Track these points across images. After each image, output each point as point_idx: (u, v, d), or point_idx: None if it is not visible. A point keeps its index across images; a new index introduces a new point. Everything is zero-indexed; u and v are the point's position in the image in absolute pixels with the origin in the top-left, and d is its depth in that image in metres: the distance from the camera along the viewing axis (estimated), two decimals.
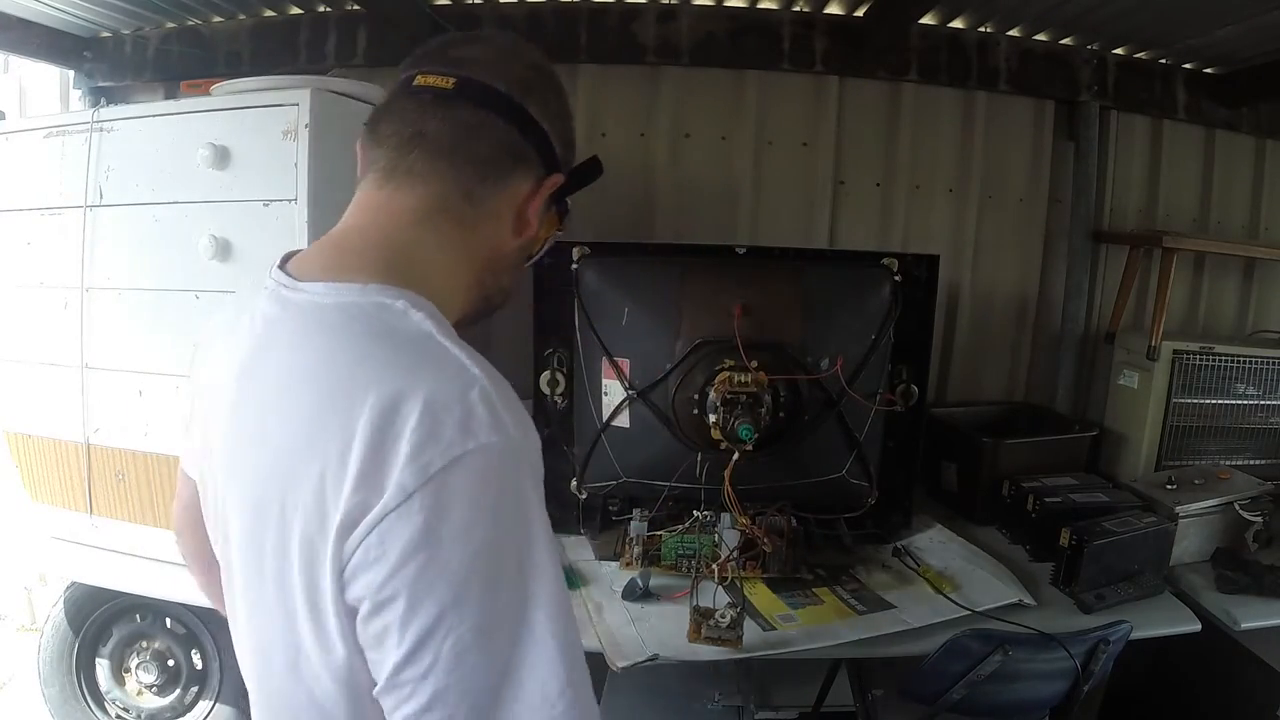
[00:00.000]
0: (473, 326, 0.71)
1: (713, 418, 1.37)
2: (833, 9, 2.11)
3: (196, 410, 0.68)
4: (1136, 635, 1.30)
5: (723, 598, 1.30)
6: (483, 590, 0.48)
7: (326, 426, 0.51)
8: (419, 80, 0.64)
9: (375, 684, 0.50)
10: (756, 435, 1.34)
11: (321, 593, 0.51)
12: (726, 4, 2.10)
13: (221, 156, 1.48)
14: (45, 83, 2.39)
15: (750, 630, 1.27)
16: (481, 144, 0.63)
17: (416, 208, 0.63)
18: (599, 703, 1.56)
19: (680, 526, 1.48)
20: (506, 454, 0.50)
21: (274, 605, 0.56)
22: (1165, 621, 1.40)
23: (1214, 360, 1.94)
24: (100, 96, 2.24)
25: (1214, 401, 1.96)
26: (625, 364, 1.51)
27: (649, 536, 1.51)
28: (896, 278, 1.58)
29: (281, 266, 0.63)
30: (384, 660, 0.49)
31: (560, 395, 1.65)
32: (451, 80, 0.63)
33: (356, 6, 2.07)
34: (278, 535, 0.54)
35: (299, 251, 0.65)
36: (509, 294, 0.74)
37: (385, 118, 0.65)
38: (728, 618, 1.24)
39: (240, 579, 0.61)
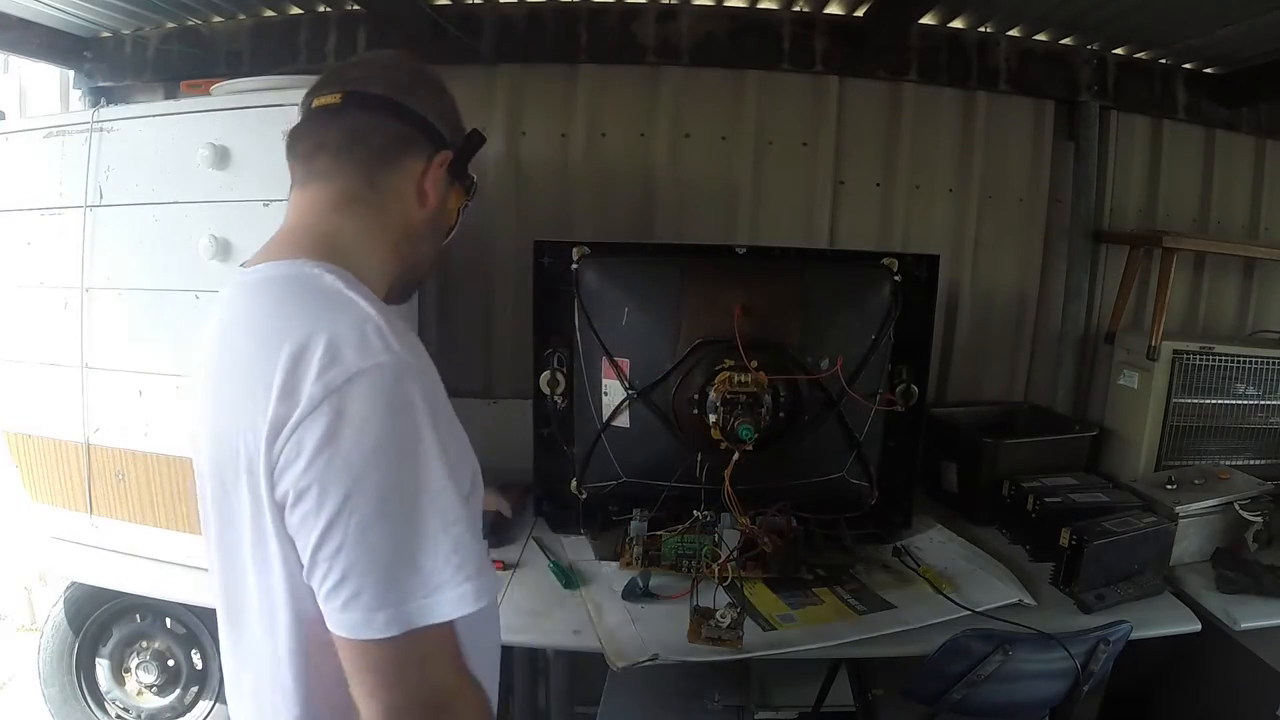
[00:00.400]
0: (406, 298, 0.87)
1: (713, 418, 1.37)
2: (833, 9, 2.11)
3: (191, 401, 0.79)
4: (1136, 635, 1.30)
5: (723, 598, 1.30)
6: (379, 478, 0.60)
7: (259, 365, 0.64)
8: (315, 103, 0.79)
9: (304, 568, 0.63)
10: (756, 435, 1.34)
11: (260, 499, 0.64)
12: (726, 4, 2.10)
13: (221, 156, 1.48)
14: (45, 83, 2.39)
15: (750, 630, 1.27)
16: (372, 139, 0.78)
17: (331, 200, 0.77)
18: (599, 703, 1.55)
19: (680, 526, 1.48)
20: (396, 370, 0.63)
21: (237, 532, 0.69)
22: (1165, 621, 1.40)
23: (1214, 360, 1.94)
24: (100, 96, 2.24)
25: (1214, 401, 1.96)
26: (625, 364, 1.51)
27: (649, 536, 1.51)
28: (896, 278, 1.58)
29: (243, 265, 0.77)
30: (306, 544, 0.62)
31: (560, 395, 1.65)
32: (339, 96, 0.78)
33: (356, 6, 2.07)
34: (233, 467, 0.66)
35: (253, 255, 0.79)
36: (431, 263, 0.88)
37: (296, 137, 0.80)
38: (728, 618, 1.24)
39: (214, 524, 0.74)
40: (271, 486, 0.62)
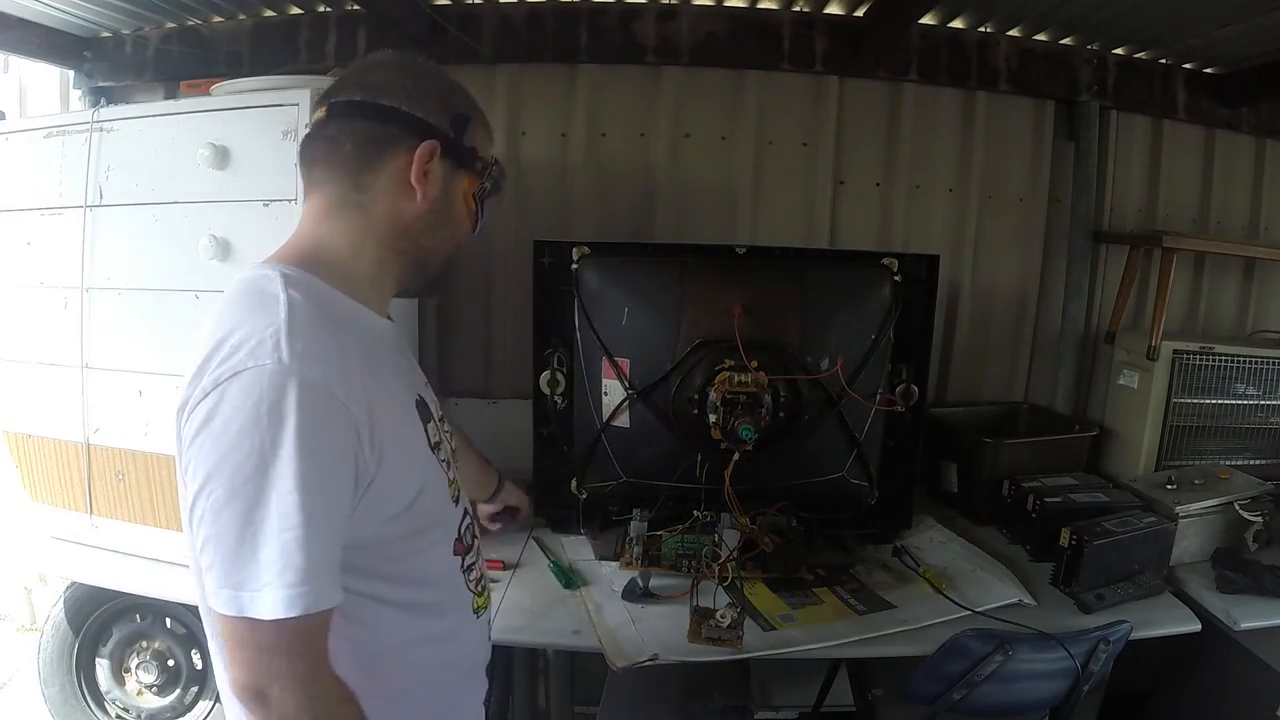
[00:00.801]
0: (432, 290, 0.86)
1: (713, 418, 1.37)
2: (833, 9, 2.11)
3: None
4: (1136, 635, 1.30)
5: (723, 598, 1.30)
6: (232, 468, 0.67)
7: (193, 354, 0.72)
8: (313, 117, 0.84)
9: None
10: (756, 435, 1.34)
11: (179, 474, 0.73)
12: (726, 4, 2.10)
13: (221, 156, 1.48)
14: (45, 83, 2.39)
15: (750, 630, 1.27)
16: (347, 145, 0.81)
17: (321, 208, 0.83)
18: (599, 703, 1.55)
19: (680, 526, 1.49)
20: (276, 375, 0.68)
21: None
22: (1165, 621, 1.40)
23: (1214, 360, 1.94)
24: (100, 96, 2.24)
25: (1214, 401, 1.96)
26: (625, 364, 1.51)
27: (649, 536, 1.51)
28: (896, 278, 1.58)
29: None
30: (185, 511, 0.71)
31: (560, 395, 1.65)
32: (323, 110, 0.83)
33: (356, 6, 2.07)
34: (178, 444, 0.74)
35: None
36: (447, 254, 0.89)
37: (300, 151, 0.85)
38: (728, 618, 1.24)
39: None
40: (178, 445, 0.72)
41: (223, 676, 0.75)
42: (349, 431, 0.71)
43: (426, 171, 0.81)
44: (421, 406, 0.87)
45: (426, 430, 0.86)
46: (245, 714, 0.73)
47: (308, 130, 0.84)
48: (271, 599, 0.66)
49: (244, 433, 0.66)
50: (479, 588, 0.96)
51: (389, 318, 0.89)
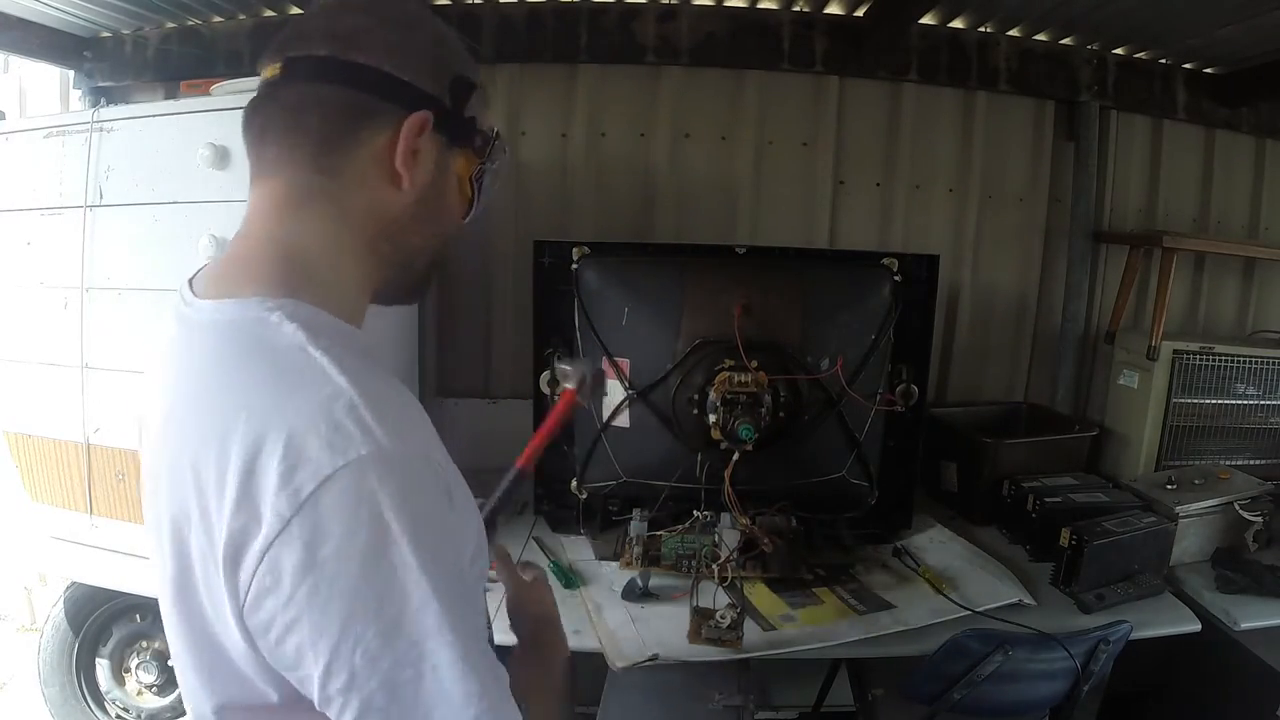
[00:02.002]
0: (413, 298, 0.71)
1: (713, 418, 1.37)
2: (833, 9, 2.11)
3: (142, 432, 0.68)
4: (1136, 635, 1.30)
5: (723, 598, 1.30)
6: (377, 599, 0.48)
7: (205, 457, 0.51)
8: (262, 75, 0.62)
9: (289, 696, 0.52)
10: (756, 435, 1.34)
11: (222, 618, 0.52)
12: (726, 4, 2.10)
13: (221, 156, 1.48)
14: (45, 83, 2.39)
15: (750, 630, 1.27)
16: (312, 117, 0.60)
17: (284, 198, 0.61)
18: (599, 703, 1.55)
19: (680, 526, 1.49)
20: (379, 463, 0.49)
21: (183, 622, 0.58)
22: (1165, 621, 1.40)
23: (1214, 360, 1.94)
24: (100, 96, 2.24)
25: (1214, 401, 1.96)
26: (625, 364, 1.51)
27: (649, 536, 1.51)
28: (896, 278, 1.58)
29: (190, 280, 0.63)
30: (308, 676, 0.50)
31: (560, 395, 1.65)
32: (278, 66, 0.61)
33: None
34: (179, 558, 0.55)
35: (207, 265, 0.66)
36: (435, 253, 0.69)
37: (245, 121, 0.63)
38: (728, 618, 1.24)
39: (166, 598, 0.61)
40: (241, 615, 0.51)
41: None
42: (448, 508, 0.54)
43: (417, 151, 0.62)
44: None
45: None
46: None
47: (254, 94, 0.63)
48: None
49: (372, 553, 0.48)
50: None
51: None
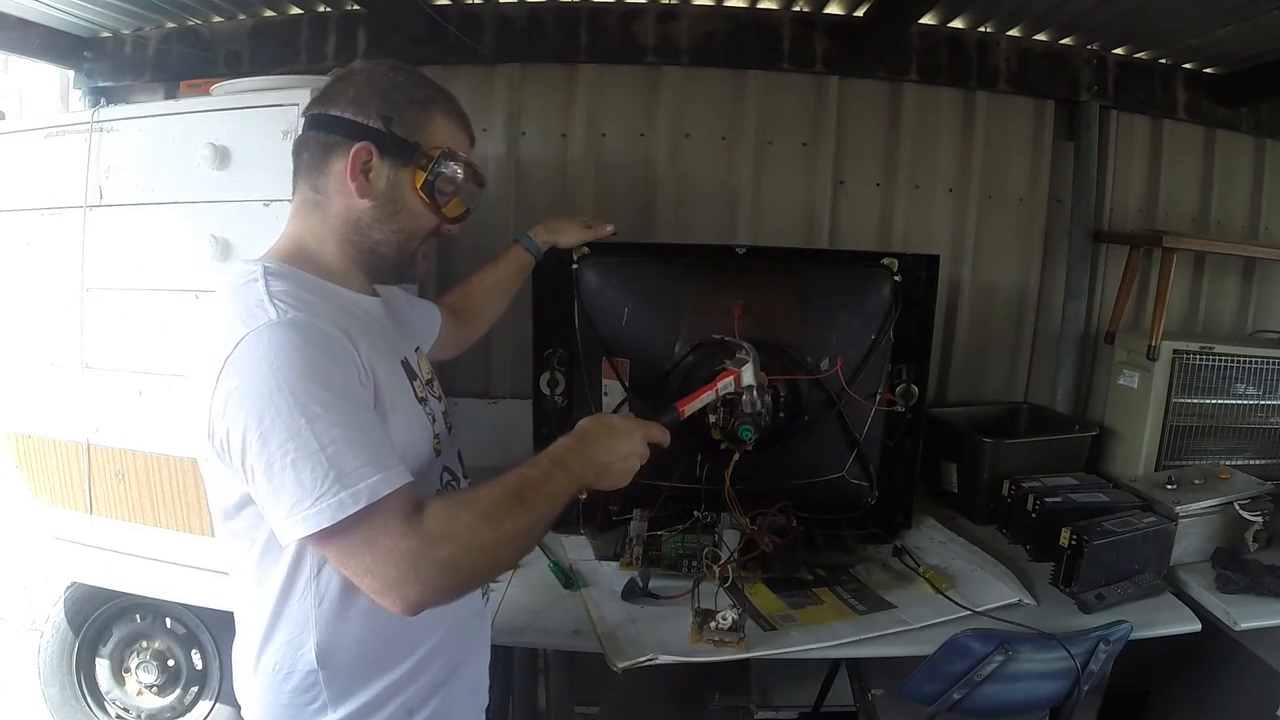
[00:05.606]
0: (395, 279, 0.99)
1: (713, 418, 1.37)
2: (833, 9, 2.11)
3: None
4: (1136, 635, 1.30)
5: (723, 598, 1.30)
6: (270, 418, 0.74)
7: (206, 350, 0.79)
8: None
9: (228, 503, 0.84)
10: (756, 435, 1.34)
11: (203, 443, 0.80)
12: (726, 4, 2.10)
13: (221, 156, 1.48)
14: (45, 83, 2.39)
15: (750, 630, 1.27)
16: (305, 154, 0.93)
17: (297, 204, 0.95)
18: (599, 703, 1.54)
19: (680, 527, 1.48)
20: (271, 329, 0.76)
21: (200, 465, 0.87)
22: (1165, 621, 1.40)
23: (1214, 360, 1.94)
24: (100, 96, 2.24)
25: (1214, 401, 1.96)
26: (625, 364, 1.51)
27: (649, 536, 1.51)
28: (896, 278, 1.58)
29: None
30: (241, 461, 0.76)
31: (560, 395, 1.65)
32: (302, 121, 0.94)
33: (356, 6, 2.07)
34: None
35: None
36: (399, 245, 0.94)
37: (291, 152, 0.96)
38: (729, 620, 1.24)
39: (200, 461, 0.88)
40: (209, 431, 0.77)
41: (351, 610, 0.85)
42: (349, 361, 0.80)
43: (367, 171, 0.89)
44: (406, 366, 0.94)
45: (413, 386, 0.94)
46: (267, 688, 0.86)
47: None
48: (334, 503, 0.72)
49: (264, 387, 0.74)
50: None
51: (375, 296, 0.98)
